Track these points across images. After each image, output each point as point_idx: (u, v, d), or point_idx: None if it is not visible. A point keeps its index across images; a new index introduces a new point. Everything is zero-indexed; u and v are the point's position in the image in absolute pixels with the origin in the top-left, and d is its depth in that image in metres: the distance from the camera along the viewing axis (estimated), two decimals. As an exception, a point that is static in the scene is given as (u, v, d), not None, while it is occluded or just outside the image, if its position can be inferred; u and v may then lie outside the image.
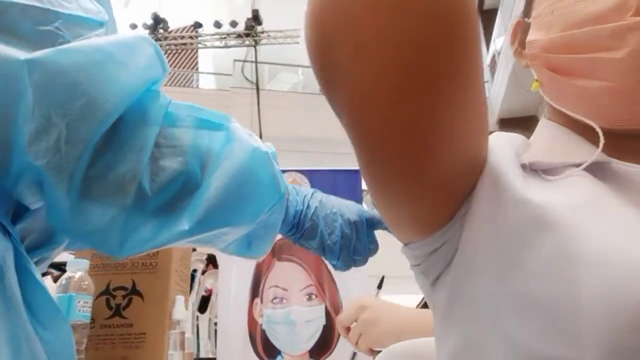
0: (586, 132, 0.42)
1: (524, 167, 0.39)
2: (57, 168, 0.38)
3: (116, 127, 0.41)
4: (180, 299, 0.87)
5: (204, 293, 3.98)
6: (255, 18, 7.55)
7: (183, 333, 0.86)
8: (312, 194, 0.57)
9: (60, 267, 0.89)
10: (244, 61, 8.15)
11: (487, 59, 8.74)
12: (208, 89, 9.78)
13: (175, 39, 7.79)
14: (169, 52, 8.14)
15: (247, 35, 7.65)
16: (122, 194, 0.41)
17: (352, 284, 2.95)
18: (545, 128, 0.48)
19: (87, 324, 0.82)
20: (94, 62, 0.39)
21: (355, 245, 0.54)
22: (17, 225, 0.44)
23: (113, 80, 0.40)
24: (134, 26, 7.37)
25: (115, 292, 0.87)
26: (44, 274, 0.93)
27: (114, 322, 0.85)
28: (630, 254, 0.29)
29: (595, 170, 0.39)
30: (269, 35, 7.73)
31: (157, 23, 7.43)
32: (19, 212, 0.44)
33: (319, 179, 3.25)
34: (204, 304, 4.05)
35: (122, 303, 0.85)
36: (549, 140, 0.45)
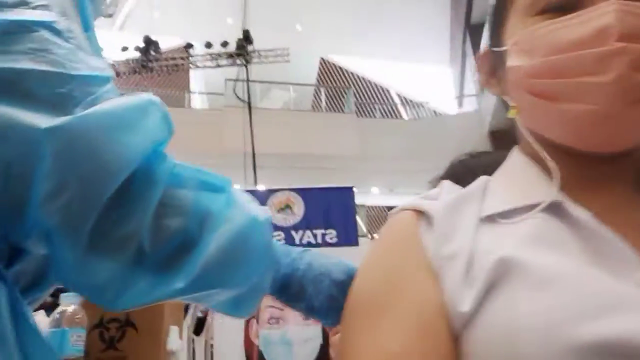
0: (557, 161, 0.44)
1: (481, 219, 0.43)
2: (67, 225, 0.41)
3: (124, 186, 0.43)
4: (174, 329, 0.88)
5: (199, 314, 3.94)
6: (246, 38, 7.62)
7: (177, 363, 0.86)
8: (302, 255, 0.59)
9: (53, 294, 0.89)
10: (236, 80, 8.20)
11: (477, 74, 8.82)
12: (200, 109, 9.82)
13: (166, 59, 7.83)
14: (160, 73, 8.18)
15: (239, 55, 7.71)
16: (123, 250, 0.43)
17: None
18: (513, 162, 0.51)
19: (81, 357, 0.82)
20: (107, 127, 0.42)
21: (343, 305, 0.56)
22: (12, 268, 0.46)
23: (124, 143, 0.42)
24: (125, 49, 7.41)
25: (109, 324, 0.87)
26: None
27: (109, 355, 0.85)
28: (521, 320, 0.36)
29: (550, 208, 0.42)
30: (260, 55, 7.79)
31: (149, 45, 7.47)
32: (14, 255, 0.46)
33: (312, 197, 3.27)
34: (199, 326, 4.01)
35: (116, 335, 0.86)
36: (512, 178, 0.48)
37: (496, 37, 0.51)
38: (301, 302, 0.57)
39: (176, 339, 0.87)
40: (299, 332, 2.87)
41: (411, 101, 11.27)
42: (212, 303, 0.53)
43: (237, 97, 8.15)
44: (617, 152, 0.43)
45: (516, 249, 0.39)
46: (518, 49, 0.46)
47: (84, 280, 0.44)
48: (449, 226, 0.43)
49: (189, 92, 10.46)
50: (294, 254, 0.59)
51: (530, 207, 0.43)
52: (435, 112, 10.55)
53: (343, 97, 10.27)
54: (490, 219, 0.43)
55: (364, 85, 11.98)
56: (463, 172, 1.09)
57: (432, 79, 10.73)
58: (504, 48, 0.48)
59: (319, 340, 2.84)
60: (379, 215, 11.34)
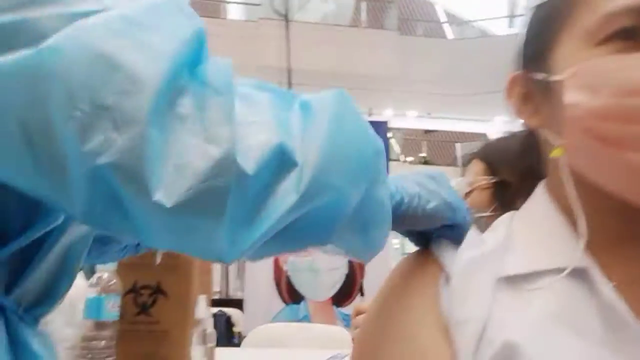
0: (586, 215, 0.41)
1: (499, 280, 0.41)
2: (125, 161, 0.30)
3: (176, 101, 0.32)
4: (202, 298, 0.93)
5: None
6: (285, -56, 7.15)
7: (205, 330, 0.91)
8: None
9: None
10: (274, -11, 7.83)
11: None
12: (237, 20, 9.54)
13: (202, -34, 7.49)
14: (196, -20, 7.86)
15: (277, -37, 7.28)
16: (221, 177, 0.31)
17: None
18: (538, 206, 0.48)
19: (116, 321, 0.88)
20: (115, 31, 0.31)
21: None
22: (13, 292, 0.42)
23: (145, 47, 0.32)
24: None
25: (141, 290, 0.92)
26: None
27: (141, 319, 0.91)
28: None
29: (575, 272, 0.40)
30: (299, -37, 7.33)
31: (183, -51, 7.13)
32: (13, 280, 0.42)
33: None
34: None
35: (148, 301, 0.91)
36: (535, 230, 0.46)
37: (539, 62, 0.45)
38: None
39: (203, 308, 0.92)
40: (326, 260, 3.00)
41: (458, 18, 10.58)
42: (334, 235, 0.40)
43: (274, 9, 7.84)
44: None
45: (527, 333, 0.38)
46: (578, 83, 0.39)
47: (183, 237, 0.33)
48: (465, 287, 0.42)
49: (226, 1, 10.10)
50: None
51: (552, 272, 0.41)
52: (482, 31, 9.91)
53: (385, 11, 9.72)
54: (510, 280, 0.42)
55: (408, -1, 11.24)
56: (497, 155, 1.05)
57: (482, -6, 9.93)
58: (556, 77, 0.42)
59: (344, 270, 2.97)
60: (415, 139, 11.19)
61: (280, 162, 0.34)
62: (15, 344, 0.40)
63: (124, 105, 0.30)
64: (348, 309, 2.79)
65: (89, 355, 0.85)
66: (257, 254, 0.38)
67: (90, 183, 0.31)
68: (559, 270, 0.40)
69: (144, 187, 0.30)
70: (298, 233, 0.37)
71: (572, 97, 0.40)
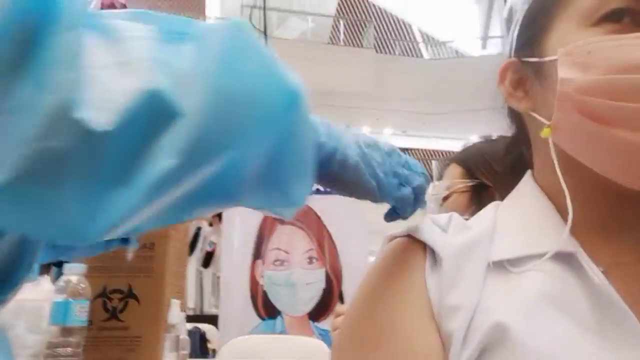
0: (573, 200, 0.41)
1: (488, 265, 0.41)
2: None
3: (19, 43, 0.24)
4: (175, 302, 0.89)
5: (208, 249, 4.05)
6: (265, -38, 7.23)
7: (178, 336, 0.88)
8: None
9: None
10: (253, 7, 7.89)
11: (504, 12, 8.42)
12: (215, 35, 9.54)
13: (181, -19, 7.51)
14: (174, -5, 7.88)
15: (256, -20, 7.35)
16: (55, 137, 0.24)
17: (353, 247, 3.00)
18: (525, 193, 0.48)
19: (85, 327, 0.84)
20: None
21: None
22: None
23: None
24: (138, -33, 7.10)
25: (111, 294, 0.88)
26: (43, 270, 0.94)
27: (111, 324, 0.87)
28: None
29: (563, 256, 0.40)
30: (278, -19, 7.42)
31: (162, -36, 7.14)
32: None
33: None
34: (208, 259, 4.13)
35: (119, 306, 0.87)
36: (523, 216, 0.45)
37: (533, 47, 0.46)
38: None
39: (176, 312, 0.89)
40: (303, 275, 2.96)
41: (433, 39, 10.82)
42: (243, 195, 0.34)
43: (253, 25, 7.88)
44: None
45: (516, 314, 0.37)
46: (571, 61, 0.40)
47: (20, 213, 0.26)
48: (456, 273, 0.41)
49: (205, 17, 10.12)
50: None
51: (540, 256, 0.40)
52: (457, 52, 10.15)
53: (363, 30, 9.88)
54: (499, 265, 0.41)
55: (385, 19, 11.48)
56: (475, 159, 1.06)
57: (456, 16, 10.22)
58: (549, 58, 0.43)
59: (321, 284, 2.93)
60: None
61: (154, 113, 0.27)
62: None
63: None
64: (325, 324, 2.76)
65: (55, 363, 0.81)
66: (151, 224, 0.31)
67: None
68: (542, 256, 0.40)
69: None
70: (192, 199, 0.30)
71: (565, 73, 0.40)
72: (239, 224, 2.93)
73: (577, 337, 0.36)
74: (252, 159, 0.32)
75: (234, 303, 2.90)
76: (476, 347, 0.36)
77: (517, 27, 0.50)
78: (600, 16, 0.40)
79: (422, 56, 10.33)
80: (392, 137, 9.87)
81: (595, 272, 0.39)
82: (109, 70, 0.26)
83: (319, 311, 2.84)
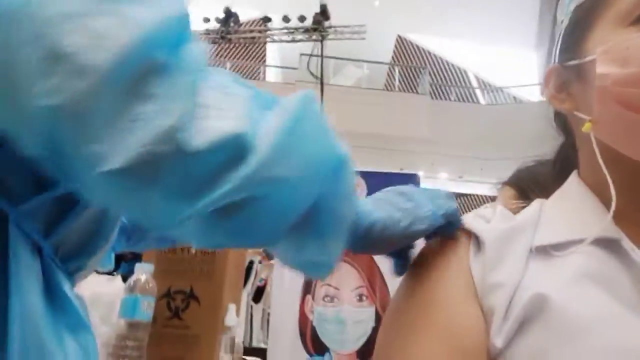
0: (618, 193, 0.43)
1: (531, 250, 0.43)
2: (73, 107, 0.31)
3: (144, 75, 0.33)
4: (232, 307, 0.94)
5: (259, 284, 4.08)
6: (323, 13, 7.60)
7: (234, 338, 0.92)
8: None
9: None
10: (310, 55, 8.23)
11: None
12: (274, 82, 10.00)
13: (245, 32, 8.01)
14: (238, 44, 8.38)
15: (315, 30, 7.72)
16: (159, 146, 0.32)
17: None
18: (570, 189, 0.50)
19: (150, 323, 0.90)
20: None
21: None
22: (52, 236, 0.45)
23: (121, 13, 0.33)
24: (206, 20, 7.65)
25: (175, 295, 0.95)
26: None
27: (174, 323, 0.93)
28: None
29: (607, 243, 0.41)
30: (335, 30, 7.75)
31: (229, 17, 7.67)
32: (51, 228, 0.45)
33: (375, 181, 3.23)
34: (258, 294, 4.16)
35: (181, 306, 0.93)
36: (567, 207, 0.47)
37: (574, 51, 0.49)
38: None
39: (233, 316, 0.94)
40: (353, 312, 2.92)
41: (489, 85, 10.77)
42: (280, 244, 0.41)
43: (310, 72, 8.21)
44: None
45: (557, 287, 0.38)
46: (608, 58, 0.43)
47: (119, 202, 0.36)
48: (499, 254, 0.43)
49: (265, 64, 10.64)
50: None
51: (583, 241, 0.42)
52: (515, 98, 10.03)
53: (418, 77, 10.02)
54: (542, 250, 0.43)
55: (441, 66, 11.58)
56: (528, 180, 1.06)
57: (514, 63, 10.15)
58: (589, 58, 0.45)
59: (371, 323, 2.88)
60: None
61: (235, 150, 0.35)
62: (51, 286, 0.43)
63: (86, 56, 0.31)
64: (374, 363, 2.69)
65: (121, 354, 0.87)
66: (207, 241, 0.39)
67: (42, 125, 0.32)
68: (589, 240, 0.41)
69: (87, 137, 0.31)
70: (246, 223, 0.37)
71: (603, 68, 0.43)
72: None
73: (618, 311, 0.37)
74: (299, 202, 0.38)
75: (283, 338, 2.90)
76: (516, 319, 0.38)
77: (561, 37, 0.54)
78: (636, 16, 0.43)
79: (478, 101, 10.27)
80: (447, 182, 9.73)
81: (639, 255, 0.39)
82: (213, 111, 0.35)
83: (368, 349, 2.78)
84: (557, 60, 0.53)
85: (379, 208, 0.45)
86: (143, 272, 0.93)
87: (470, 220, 0.48)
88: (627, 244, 0.41)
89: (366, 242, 0.44)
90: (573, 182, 0.50)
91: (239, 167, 0.34)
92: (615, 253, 0.41)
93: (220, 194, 0.34)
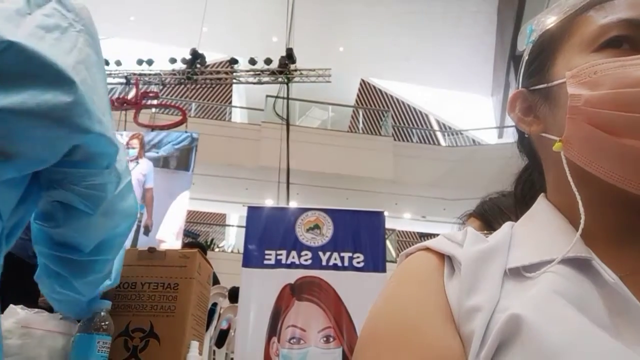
0: (585, 211, 0.43)
1: (505, 273, 0.43)
2: None
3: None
4: (194, 344, 0.89)
5: (222, 327, 3.93)
6: (289, 56, 7.77)
7: (195, 379, 0.87)
8: None
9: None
10: (276, 97, 8.35)
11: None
12: (240, 123, 10.04)
13: (211, 73, 8.07)
14: (204, 85, 8.42)
15: (281, 72, 7.85)
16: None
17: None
18: (538, 210, 0.50)
19: (104, 365, 0.84)
20: None
21: None
22: None
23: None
24: (173, 60, 7.68)
25: (133, 333, 0.89)
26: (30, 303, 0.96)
27: (130, 364, 0.87)
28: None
29: (578, 263, 0.42)
30: (301, 73, 7.91)
31: (195, 58, 7.72)
32: None
33: (342, 219, 3.25)
34: (221, 339, 4.00)
35: (140, 345, 0.88)
36: (537, 228, 0.48)
37: (540, 75, 0.50)
38: None
39: (196, 354, 0.89)
40: (320, 354, 2.85)
41: (450, 128, 11.15)
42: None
43: (276, 113, 8.29)
44: None
45: (531, 308, 0.38)
46: (578, 81, 0.44)
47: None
48: (475, 276, 0.43)
49: (231, 105, 10.69)
50: None
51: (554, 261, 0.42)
52: (474, 140, 10.40)
53: (381, 119, 10.28)
54: (515, 271, 0.43)
55: (403, 109, 11.96)
56: (493, 210, 1.09)
57: (472, 107, 10.60)
58: (558, 81, 0.47)
59: (338, 366, 2.80)
60: (410, 241, 11.19)
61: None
62: None
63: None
64: (341, 407, 2.60)
65: (72, 399, 0.80)
66: None
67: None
68: (560, 260, 0.42)
69: None
70: None
71: (574, 90, 0.43)
72: (255, 303, 2.86)
73: (591, 331, 0.36)
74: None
75: (248, 382, 2.77)
76: (493, 342, 0.37)
77: (524, 63, 0.56)
78: (602, 43, 0.45)
79: (439, 143, 10.60)
80: (411, 222, 9.85)
81: (610, 275, 0.40)
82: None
83: (336, 392, 2.69)
84: (521, 86, 0.54)
85: None
86: (99, 309, 0.87)
87: (442, 242, 0.48)
88: (597, 263, 0.41)
89: None
90: (541, 204, 0.51)
91: None
92: (586, 272, 0.41)
93: None
